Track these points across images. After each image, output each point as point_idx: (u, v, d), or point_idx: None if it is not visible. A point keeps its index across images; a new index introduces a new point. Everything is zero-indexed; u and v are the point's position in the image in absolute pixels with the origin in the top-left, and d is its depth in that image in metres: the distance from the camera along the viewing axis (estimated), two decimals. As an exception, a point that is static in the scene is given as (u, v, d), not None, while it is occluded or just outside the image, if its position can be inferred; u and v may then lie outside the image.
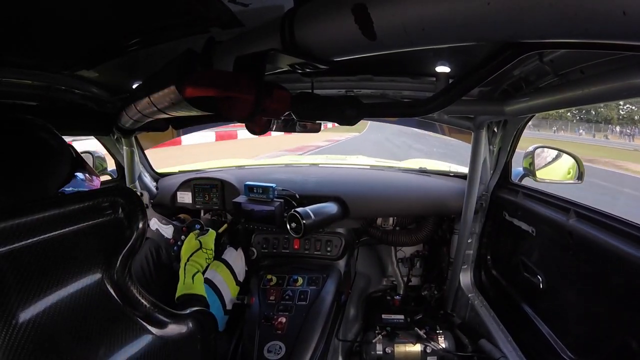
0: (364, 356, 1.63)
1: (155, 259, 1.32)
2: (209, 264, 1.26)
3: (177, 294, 1.09)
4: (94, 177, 0.80)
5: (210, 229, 1.38)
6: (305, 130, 1.26)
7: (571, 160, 1.46)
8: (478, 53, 0.90)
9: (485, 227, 1.75)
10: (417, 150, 13.88)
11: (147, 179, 1.99)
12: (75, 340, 0.53)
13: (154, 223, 1.49)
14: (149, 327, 0.64)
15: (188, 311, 0.75)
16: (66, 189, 0.70)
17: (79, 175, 0.74)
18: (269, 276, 1.65)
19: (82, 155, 0.80)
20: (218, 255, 1.47)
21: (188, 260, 1.18)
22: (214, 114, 0.73)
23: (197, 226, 1.43)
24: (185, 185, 1.93)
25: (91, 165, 1.77)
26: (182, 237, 1.47)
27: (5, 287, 0.47)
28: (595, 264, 1.06)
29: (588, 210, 1.11)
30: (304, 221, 1.43)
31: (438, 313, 1.87)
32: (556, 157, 1.53)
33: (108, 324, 0.58)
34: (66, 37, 0.84)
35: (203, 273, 1.22)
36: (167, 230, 1.51)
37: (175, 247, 1.48)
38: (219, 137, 14.97)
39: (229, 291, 1.38)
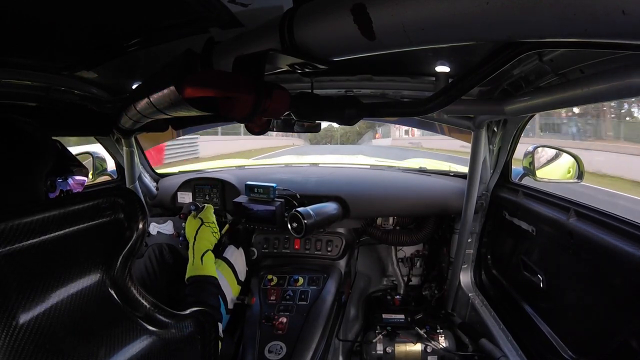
0: (365, 356, 1.63)
1: (159, 258, 1.32)
2: (218, 238, 1.25)
3: (187, 276, 1.08)
4: (81, 177, 0.79)
5: (206, 204, 1.37)
6: (304, 130, 1.26)
7: (571, 160, 1.46)
8: (478, 52, 0.90)
9: (485, 227, 1.75)
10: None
11: (147, 180, 1.99)
12: (75, 340, 0.53)
13: (153, 228, 1.48)
14: (150, 328, 0.64)
15: (188, 311, 0.75)
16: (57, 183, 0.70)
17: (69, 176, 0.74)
18: (269, 276, 1.65)
19: (80, 155, 0.80)
20: (219, 254, 1.47)
21: (195, 240, 1.17)
22: (213, 114, 0.73)
23: (192, 207, 1.42)
24: (185, 186, 1.93)
25: (91, 166, 1.77)
26: (183, 224, 1.46)
27: (6, 288, 0.47)
28: (595, 263, 1.06)
29: (588, 209, 1.11)
30: (306, 221, 1.43)
31: (438, 312, 1.87)
32: (556, 157, 1.53)
33: (108, 324, 0.58)
34: (66, 37, 0.84)
35: (215, 251, 1.19)
36: (167, 227, 1.51)
37: (180, 238, 1.47)
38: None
39: (231, 290, 1.38)
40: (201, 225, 1.23)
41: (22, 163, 0.65)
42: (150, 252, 1.35)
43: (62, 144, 0.77)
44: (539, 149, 1.53)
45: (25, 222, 0.49)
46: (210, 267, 1.12)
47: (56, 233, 0.53)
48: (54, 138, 0.74)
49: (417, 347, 1.63)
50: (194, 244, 1.17)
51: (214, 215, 1.30)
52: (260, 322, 1.41)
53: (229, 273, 1.42)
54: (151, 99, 0.86)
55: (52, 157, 0.71)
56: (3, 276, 0.47)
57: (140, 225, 0.63)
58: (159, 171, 2.17)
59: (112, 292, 0.59)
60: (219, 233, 1.27)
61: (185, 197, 1.94)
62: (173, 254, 1.37)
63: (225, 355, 1.37)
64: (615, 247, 0.95)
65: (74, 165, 0.78)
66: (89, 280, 0.57)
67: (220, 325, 1.01)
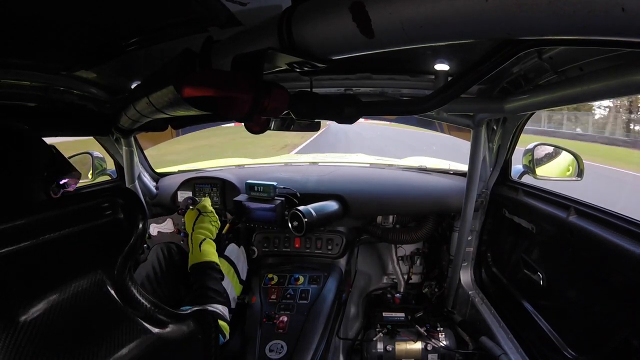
0: (365, 354, 1.64)
1: (168, 258, 1.32)
2: (218, 227, 1.27)
3: (189, 266, 1.10)
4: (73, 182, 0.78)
5: (203, 197, 1.39)
6: (303, 129, 1.26)
7: (571, 158, 1.46)
8: (477, 50, 0.90)
9: (485, 225, 1.75)
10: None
11: (147, 179, 1.99)
12: (76, 340, 0.53)
13: (153, 229, 1.48)
14: (150, 327, 0.64)
15: (189, 311, 0.75)
16: None
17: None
18: (270, 275, 1.65)
19: (79, 155, 0.79)
20: (220, 252, 1.46)
21: (193, 230, 1.19)
22: (212, 113, 0.73)
23: (190, 201, 1.43)
24: (185, 185, 1.93)
25: (90, 166, 1.77)
26: (182, 219, 1.47)
27: (6, 288, 0.47)
28: (595, 261, 1.06)
29: (588, 207, 1.11)
30: (306, 219, 1.43)
31: (439, 311, 1.87)
32: (556, 154, 1.53)
33: (109, 324, 0.59)
34: (64, 37, 0.84)
35: (216, 241, 1.21)
36: (167, 225, 1.50)
37: (182, 234, 1.48)
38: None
39: (233, 289, 1.38)
40: (199, 215, 1.24)
41: (16, 165, 0.64)
42: (159, 252, 1.34)
43: (56, 149, 0.77)
44: (539, 147, 1.53)
45: (26, 223, 0.49)
46: (209, 253, 1.13)
47: (56, 233, 0.53)
48: (49, 143, 0.73)
49: (418, 345, 1.63)
50: (192, 234, 1.18)
51: (211, 206, 1.33)
52: (261, 321, 1.41)
53: (231, 272, 1.42)
54: (150, 99, 0.85)
55: (45, 158, 0.70)
56: (3, 277, 0.47)
57: (140, 225, 0.63)
58: (158, 170, 2.17)
59: (112, 292, 0.59)
60: (218, 222, 1.28)
61: (186, 197, 1.94)
62: (181, 255, 1.37)
63: (232, 352, 1.37)
64: (615, 244, 0.95)
65: (68, 169, 0.77)
66: (89, 280, 0.57)
67: (227, 310, 1.01)
